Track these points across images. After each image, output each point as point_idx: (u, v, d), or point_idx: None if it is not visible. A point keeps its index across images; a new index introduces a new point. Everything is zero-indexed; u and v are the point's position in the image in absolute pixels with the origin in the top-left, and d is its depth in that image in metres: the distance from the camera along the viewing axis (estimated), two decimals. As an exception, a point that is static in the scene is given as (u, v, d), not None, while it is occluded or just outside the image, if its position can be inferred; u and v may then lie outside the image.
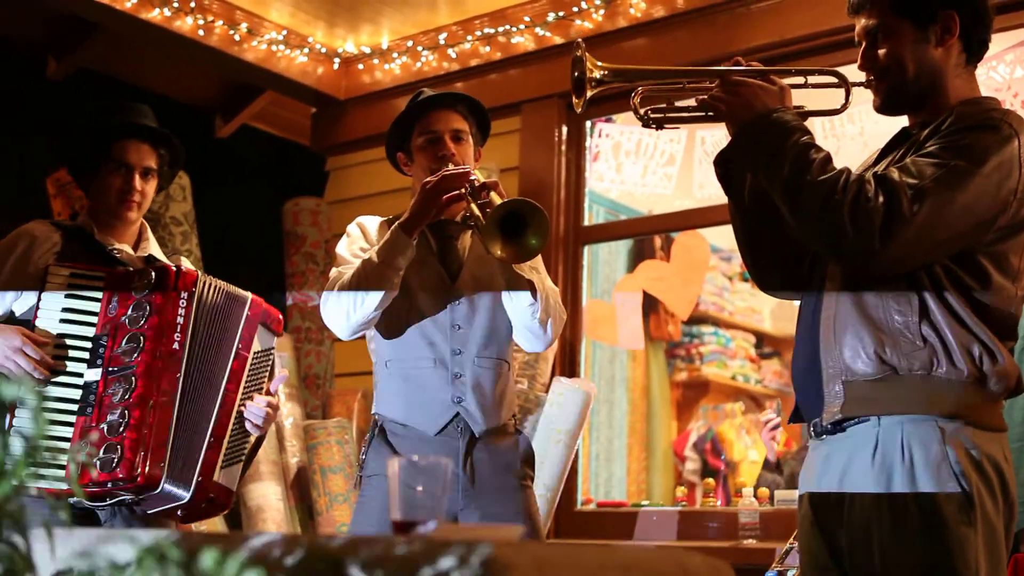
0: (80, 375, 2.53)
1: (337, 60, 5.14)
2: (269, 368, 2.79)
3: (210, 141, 5.26)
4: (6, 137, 4.37)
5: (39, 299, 2.56)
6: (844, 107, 2.18)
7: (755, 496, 3.90)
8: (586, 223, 4.71)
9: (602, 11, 4.49)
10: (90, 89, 4.74)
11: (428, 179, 2.62)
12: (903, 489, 1.91)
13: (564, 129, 4.66)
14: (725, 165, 2.19)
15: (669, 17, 4.38)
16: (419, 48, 4.96)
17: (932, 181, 1.90)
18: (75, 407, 2.50)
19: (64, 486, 2.28)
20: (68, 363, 2.53)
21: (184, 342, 2.57)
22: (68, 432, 2.48)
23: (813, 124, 2.12)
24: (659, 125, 2.18)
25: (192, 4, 4.59)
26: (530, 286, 2.62)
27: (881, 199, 1.89)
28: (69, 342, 2.55)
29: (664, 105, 2.17)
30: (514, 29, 4.70)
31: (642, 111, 2.15)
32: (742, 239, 2.24)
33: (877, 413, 1.97)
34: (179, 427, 2.53)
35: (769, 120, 2.02)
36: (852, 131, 4.22)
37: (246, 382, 2.69)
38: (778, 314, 6.39)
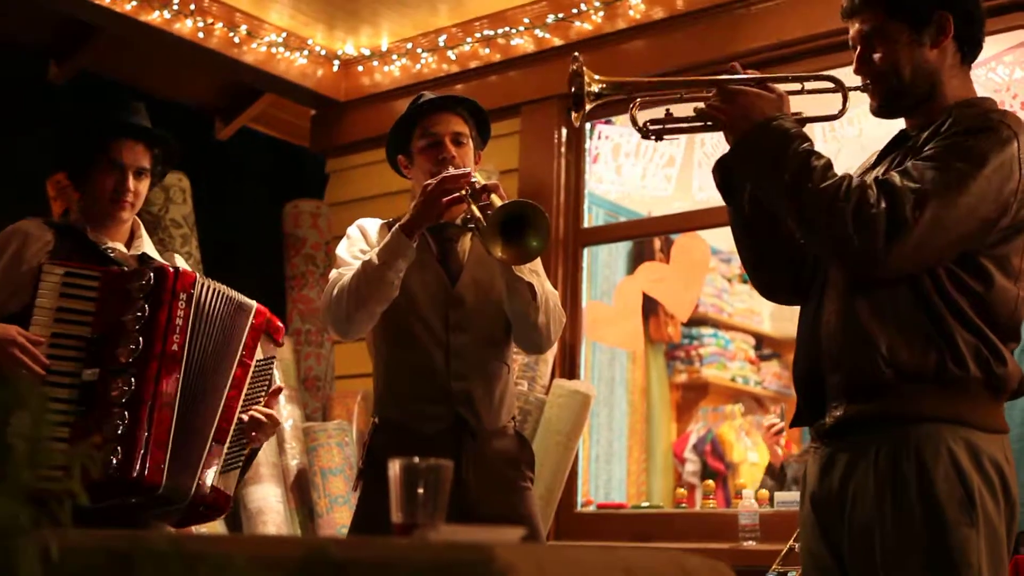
0: (77, 375, 2.50)
1: (337, 62, 5.14)
2: (269, 377, 2.79)
3: (210, 143, 5.27)
4: (7, 140, 4.37)
5: (33, 298, 2.53)
6: (842, 112, 2.17)
7: (755, 498, 3.90)
8: (586, 225, 4.70)
9: (601, 13, 4.49)
10: (91, 92, 4.74)
11: (429, 181, 2.62)
12: (905, 490, 1.91)
13: (564, 131, 4.65)
14: (724, 172, 2.20)
15: (669, 19, 4.37)
16: (419, 50, 4.95)
17: (933, 185, 1.90)
18: (72, 408, 2.47)
19: (63, 487, 2.27)
20: (65, 363, 2.51)
21: (183, 344, 2.56)
22: (66, 432, 2.44)
23: (812, 128, 2.12)
24: (658, 136, 2.17)
25: (192, 7, 4.59)
26: (530, 288, 2.63)
27: (883, 204, 1.89)
28: (65, 342, 2.52)
29: (663, 116, 2.16)
30: (514, 31, 4.69)
31: (641, 123, 2.14)
32: (742, 245, 2.24)
33: (880, 415, 1.97)
34: (179, 430, 2.51)
35: (769, 128, 2.01)
36: (851, 133, 4.22)
37: (248, 390, 2.69)
38: (778, 316, 6.38)
